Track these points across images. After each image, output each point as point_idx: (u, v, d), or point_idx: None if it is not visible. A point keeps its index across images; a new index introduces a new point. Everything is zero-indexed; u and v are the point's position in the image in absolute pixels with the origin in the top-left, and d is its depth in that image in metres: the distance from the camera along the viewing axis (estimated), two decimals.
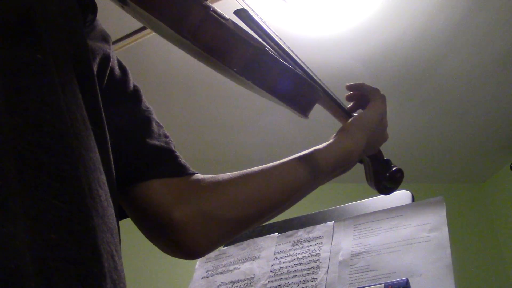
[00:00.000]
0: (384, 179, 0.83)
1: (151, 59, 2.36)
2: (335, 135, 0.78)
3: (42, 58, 0.39)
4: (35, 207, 0.34)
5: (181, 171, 0.66)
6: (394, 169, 0.83)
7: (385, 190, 0.85)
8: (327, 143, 0.76)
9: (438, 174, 3.70)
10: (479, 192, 3.83)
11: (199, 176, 0.68)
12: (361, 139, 0.76)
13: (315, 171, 0.71)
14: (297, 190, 0.70)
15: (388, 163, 0.84)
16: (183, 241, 0.63)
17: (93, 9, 0.55)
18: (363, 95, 0.85)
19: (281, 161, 0.71)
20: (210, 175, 0.68)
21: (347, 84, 0.84)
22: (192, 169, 0.68)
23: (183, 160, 0.68)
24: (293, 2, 2.09)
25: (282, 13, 2.16)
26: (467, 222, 3.56)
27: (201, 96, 2.65)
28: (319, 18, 2.20)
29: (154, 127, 0.67)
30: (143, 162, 0.63)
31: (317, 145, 0.75)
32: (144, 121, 0.66)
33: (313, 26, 2.24)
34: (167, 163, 0.65)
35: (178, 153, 0.68)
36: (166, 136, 0.68)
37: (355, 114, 0.82)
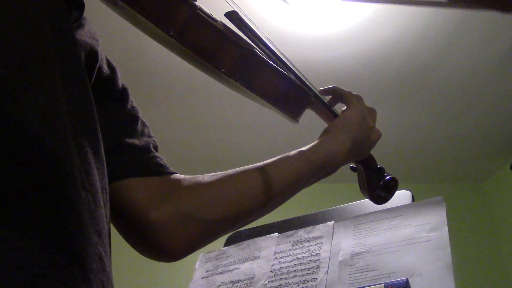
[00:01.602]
0: (378, 187, 0.82)
1: (152, 59, 2.36)
2: (320, 137, 0.78)
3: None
4: (16, 215, 0.34)
5: (159, 170, 0.64)
6: (388, 177, 0.82)
7: (379, 198, 0.84)
8: (311, 144, 0.75)
9: (438, 174, 3.70)
10: (479, 192, 3.83)
11: (179, 176, 0.66)
12: (345, 140, 0.76)
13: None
14: (280, 193, 0.69)
15: (381, 171, 0.83)
16: (161, 242, 0.61)
17: (79, 5, 0.54)
18: (339, 98, 0.84)
19: (265, 162, 0.70)
20: (190, 176, 0.66)
21: (320, 89, 0.84)
22: (171, 169, 0.66)
23: (162, 160, 0.66)
24: (293, 1, 2.09)
25: (281, 12, 2.16)
26: (467, 222, 3.56)
27: (202, 95, 2.65)
28: (319, 17, 2.20)
29: (138, 126, 0.66)
30: (120, 160, 0.62)
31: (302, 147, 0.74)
32: (128, 120, 0.65)
33: (312, 25, 2.24)
34: (144, 162, 0.64)
35: (157, 153, 0.66)
36: (149, 136, 0.67)
37: None
